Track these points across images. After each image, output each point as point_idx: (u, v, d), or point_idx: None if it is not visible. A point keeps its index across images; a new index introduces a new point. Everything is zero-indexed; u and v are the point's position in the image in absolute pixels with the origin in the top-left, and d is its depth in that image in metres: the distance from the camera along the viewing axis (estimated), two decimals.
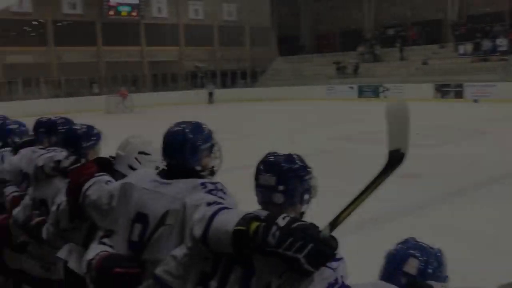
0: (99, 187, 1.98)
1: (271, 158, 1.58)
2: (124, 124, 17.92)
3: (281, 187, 1.50)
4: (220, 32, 33.50)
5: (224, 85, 31.83)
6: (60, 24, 28.20)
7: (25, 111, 17.83)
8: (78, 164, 2.21)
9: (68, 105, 23.80)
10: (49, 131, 2.91)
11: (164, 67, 31.02)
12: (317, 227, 1.26)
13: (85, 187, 2.00)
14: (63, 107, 23.13)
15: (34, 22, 27.60)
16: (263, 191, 1.54)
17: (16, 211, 2.67)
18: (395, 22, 31.63)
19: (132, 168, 2.19)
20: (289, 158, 1.58)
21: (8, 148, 3.20)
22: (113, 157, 2.28)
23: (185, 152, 1.80)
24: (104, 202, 1.91)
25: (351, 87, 27.21)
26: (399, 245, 1.51)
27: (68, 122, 2.88)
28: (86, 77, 28.17)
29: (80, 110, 22.68)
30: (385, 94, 25.50)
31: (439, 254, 1.48)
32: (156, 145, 2.23)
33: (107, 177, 2.06)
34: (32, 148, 2.93)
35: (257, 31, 33.99)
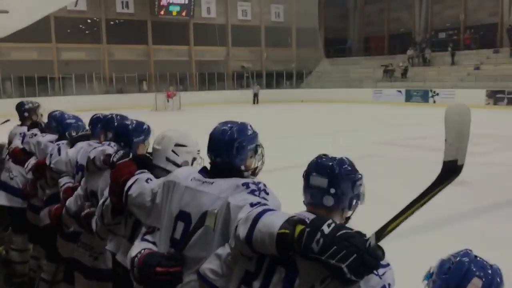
0: (141, 185, 1.99)
1: (324, 160, 1.61)
2: (172, 121, 18.28)
3: (332, 190, 1.54)
4: (267, 33, 33.50)
5: (269, 86, 31.95)
6: (112, 22, 29.11)
7: (77, 106, 18.52)
8: (126, 159, 2.25)
9: (118, 102, 24.56)
10: (104, 126, 2.97)
11: (211, 66, 31.40)
12: (363, 236, 1.22)
13: (127, 186, 2.02)
14: (113, 103, 23.88)
15: (88, 20, 28.63)
16: (314, 193, 1.58)
17: (69, 201, 2.76)
18: (447, 25, 30.70)
19: (169, 160, 2.17)
20: (342, 161, 1.61)
21: (65, 141, 3.30)
22: (150, 153, 2.29)
23: (231, 151, 1.80)
24: (147, 200, 1.93)
25: (399, 91, 26.60)
26: (458, 259, 1.42)
27: (123, 118, 2.93)
28: (136, 75, 28.98)
29: (130, 107, 23.43)
30: (435, 99, 24.83)
31: (499, 272, 1.42)
32: (201, 142, 2.27)
33: (147, 175, 2.06)
34: (89, 141, 3.04)
35: (304, 32, 33.77)
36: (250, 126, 1.92)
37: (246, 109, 23.96)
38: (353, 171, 1.60)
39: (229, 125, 1.86)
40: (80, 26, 28.58)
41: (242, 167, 1.84)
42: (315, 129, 15.30)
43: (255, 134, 1.89)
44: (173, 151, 2.17)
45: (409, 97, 26.13)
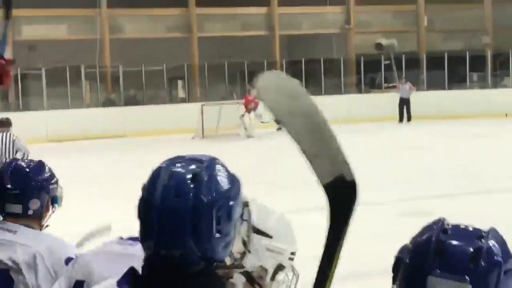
0: None
1: (460, 238, 1.70)
2: (234, 158, 18.31)
3: None
4: None
5: (433, 84, 31.87)
6: None
7: (50, 133, 19.19)
8: None
9: (127, 122, 25.62)
10: None
11: (313, 46, 31.98)
12: None
13: None
14: (119, 126, 24.88)
15: None
16: None
17: None
18: None
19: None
20: (497, 241, 1.68)
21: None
22: None
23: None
24: None
25: None
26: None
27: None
28: (164, 68, 29.93)
29: (150, 132, 24.10)
30: None
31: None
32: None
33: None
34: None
35: None
36: None
37: (385, 133, 24.61)
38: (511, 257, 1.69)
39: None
40: None
41: None
42: None
43: None
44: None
45: None
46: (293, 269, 2.39)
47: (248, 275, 2.25)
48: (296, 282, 2.39)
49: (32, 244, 3.36)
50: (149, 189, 1.87)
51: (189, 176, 1.86)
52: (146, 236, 1.88)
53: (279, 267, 2.36)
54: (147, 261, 1.90)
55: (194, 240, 1.83)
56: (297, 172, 14.14)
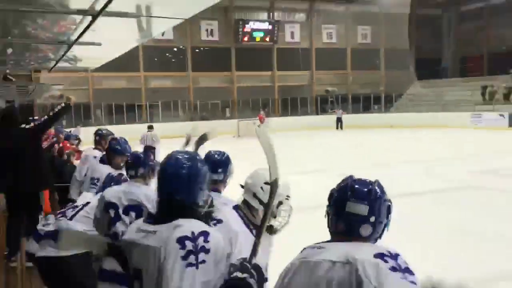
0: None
1: (362, 183, 1.69)
2: (254, 148, 18.56)
3: (372, 218, 1.61)
4: (353, 55, 33.31)
5: (356, 111, 31.56)
6: (197, 50, 30.43)
7: (164, 133, 19.47)
8: None
9: (201, 128, 25.41)
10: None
11: (295, 91, 31.74)
12: None
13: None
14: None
15: (174, 49, 30.19)
16: (350, 221, 1.62)
17: None
18: None
19: (256, 197, 2.30)
20: (380, 185, 1.70)
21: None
22: (242, 186, 2.42)
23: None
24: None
25: (501, 115, 25.04)
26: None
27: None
28: (219, 102, 29.98)
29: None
30: None
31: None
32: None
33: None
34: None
35: (393, 53, 32.90)
36: None
37: (329, 136, 24.07)
38: (387, 195, 1.67)
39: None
40: (167, 54, 30.19)
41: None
42: (406, 157, 14.86)
43: None
44: (261, 188, 2.30)
45: None
46: (288, 204, 2.35)
47: (264, 204, 2.07)
48: (291, 212, 2.32)
49: (149, 193, 2.92)
50: (166, 165, 1.88)
51: (187, 159, 1.87)
52: (162, 187, 1.86)
53: (280, 202, 2.30)
54: (161, 200, 1.88)
55: (188, 191, 1.84)
56: (291, 155, 14.52)
